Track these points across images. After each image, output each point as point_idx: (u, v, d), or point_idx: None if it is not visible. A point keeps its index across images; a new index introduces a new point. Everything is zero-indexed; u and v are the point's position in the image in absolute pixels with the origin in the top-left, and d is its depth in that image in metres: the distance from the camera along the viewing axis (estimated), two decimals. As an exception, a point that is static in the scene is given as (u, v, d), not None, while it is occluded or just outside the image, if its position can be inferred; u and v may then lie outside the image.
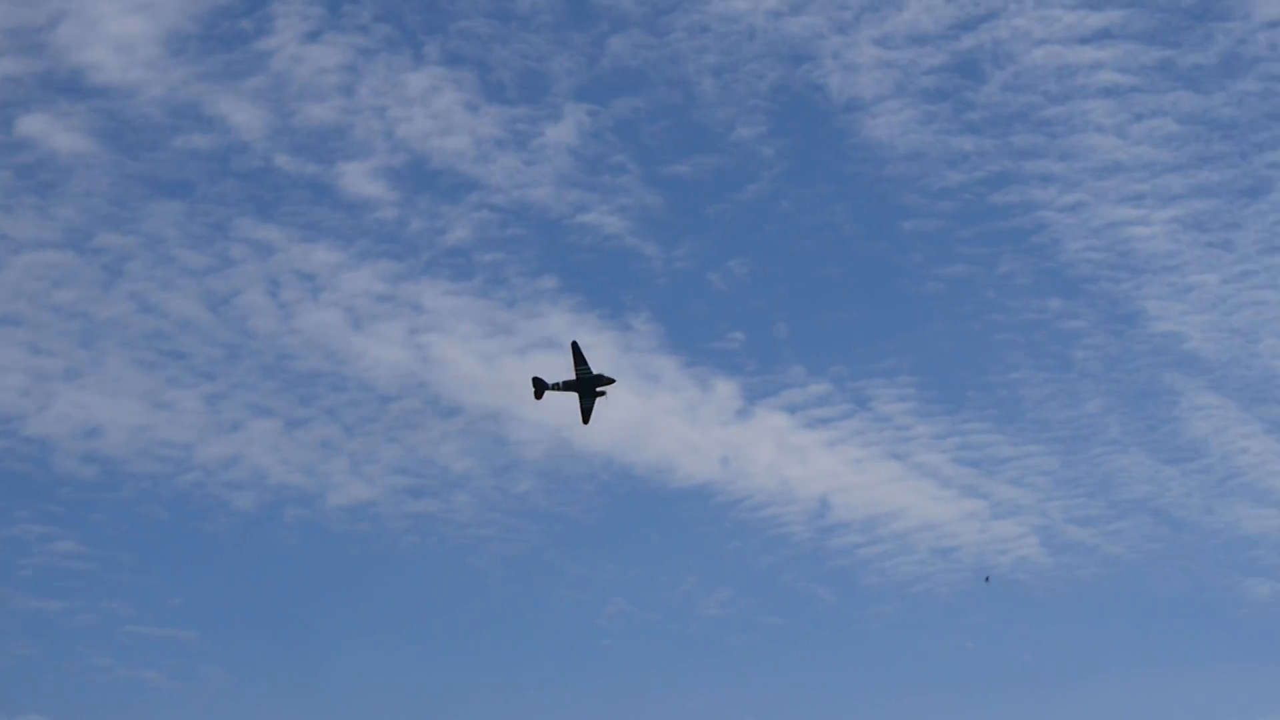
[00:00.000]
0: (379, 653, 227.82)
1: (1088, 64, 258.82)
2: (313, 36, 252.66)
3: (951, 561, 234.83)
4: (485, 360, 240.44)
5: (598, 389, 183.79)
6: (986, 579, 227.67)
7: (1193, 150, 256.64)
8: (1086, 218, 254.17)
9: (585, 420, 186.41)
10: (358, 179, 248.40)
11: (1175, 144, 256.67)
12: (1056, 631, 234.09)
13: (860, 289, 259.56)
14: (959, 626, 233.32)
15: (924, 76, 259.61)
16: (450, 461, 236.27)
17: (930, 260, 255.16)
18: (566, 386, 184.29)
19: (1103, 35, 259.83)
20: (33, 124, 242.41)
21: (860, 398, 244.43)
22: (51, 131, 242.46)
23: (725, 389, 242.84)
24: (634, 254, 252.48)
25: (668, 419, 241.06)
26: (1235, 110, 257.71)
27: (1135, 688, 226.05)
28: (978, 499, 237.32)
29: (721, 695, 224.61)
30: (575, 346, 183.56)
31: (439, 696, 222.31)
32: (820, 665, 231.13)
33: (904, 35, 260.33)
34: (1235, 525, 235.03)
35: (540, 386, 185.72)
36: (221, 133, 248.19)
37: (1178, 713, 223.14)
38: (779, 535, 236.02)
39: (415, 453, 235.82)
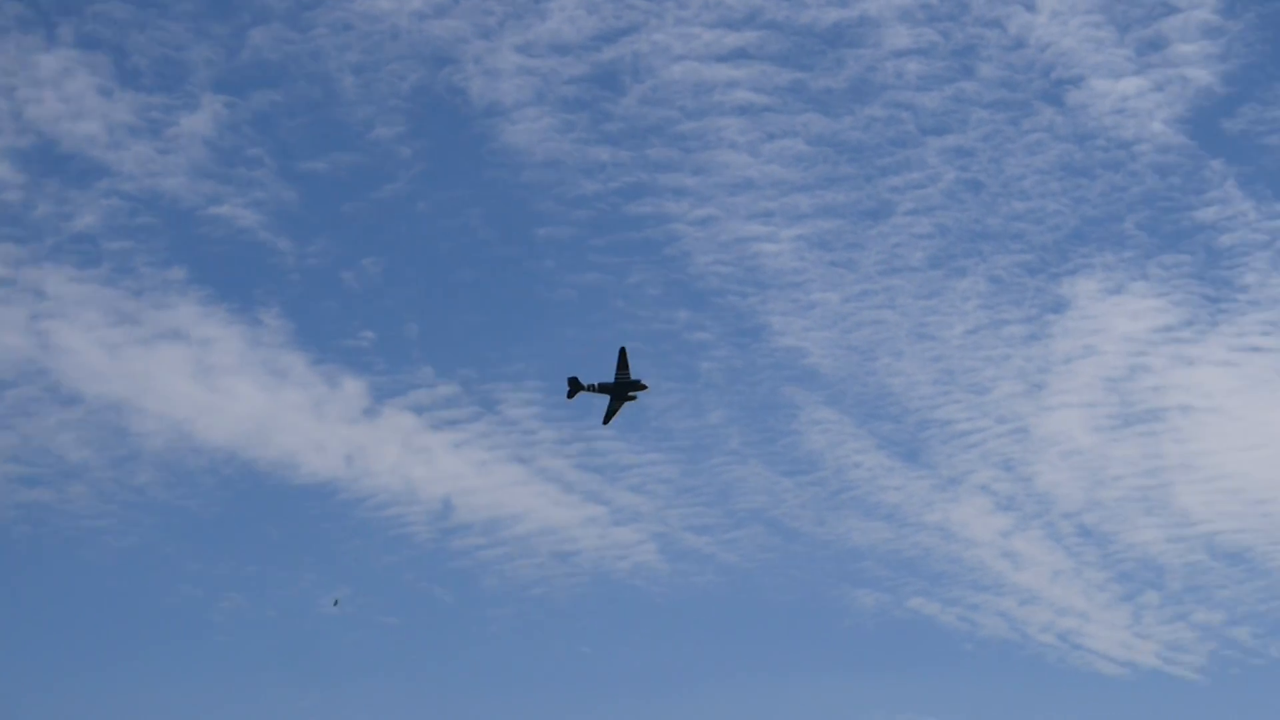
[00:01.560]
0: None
1: (724, 82, 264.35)
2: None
3: (571, 566, 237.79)
4: (109, 350, 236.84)
5: (630, 393, 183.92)
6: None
7: (820, 171, 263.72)
8: (716, 232, 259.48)
9: (606, 421, 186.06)
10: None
11: (804, 164, 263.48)
12: (671, 637, 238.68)
13: (493, 293, 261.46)
14: (576, 630, 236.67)
15: (564, 85, 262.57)
16: (67, 451, 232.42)
17: (563, 267, 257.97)
18: (602, 389, 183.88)
19: (739, 55, 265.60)
20: None
21: (488, 401, 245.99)
22: None
23: (353, 387, 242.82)
24: (267, 248, 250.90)
25: (294, 415, 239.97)
26: (862, 134, 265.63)
27: (747, 694, 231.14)
28: (599, 505, 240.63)
29: (337, 694, 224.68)
30: (623, 352, 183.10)
31: (46, 691, 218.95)
32: (437, 666, 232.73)
33: (546, 44, 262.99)
34: (845, 537, 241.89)
35: (575, 387, 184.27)
36: None
37: (790, 718, 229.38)
38: (401, 535, 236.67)
39: (30, 441, 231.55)
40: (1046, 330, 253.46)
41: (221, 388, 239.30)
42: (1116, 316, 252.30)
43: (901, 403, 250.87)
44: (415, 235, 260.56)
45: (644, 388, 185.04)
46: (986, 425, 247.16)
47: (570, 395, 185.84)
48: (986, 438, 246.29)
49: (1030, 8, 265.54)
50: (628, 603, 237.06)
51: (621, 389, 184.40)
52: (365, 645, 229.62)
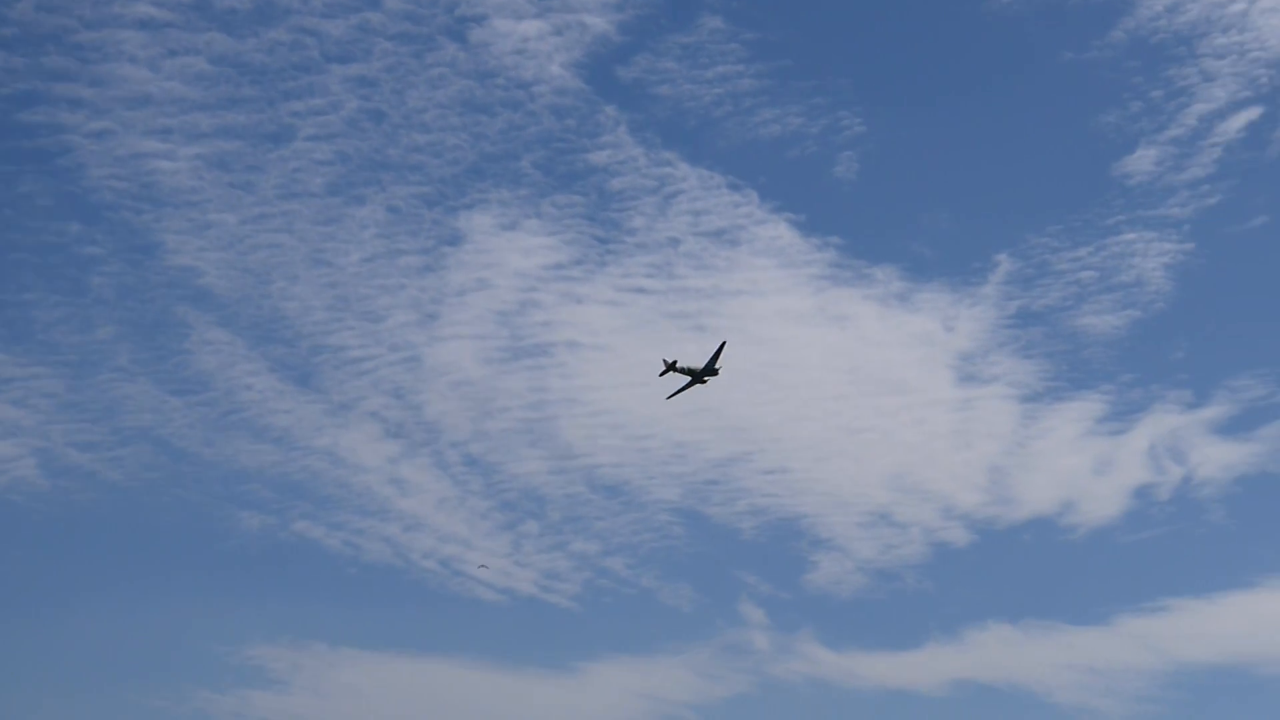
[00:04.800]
0: None
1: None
2: None
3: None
4: None
5: (704, 377, 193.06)
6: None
7: (222, 91, 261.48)
8: (112, 146, 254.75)
9: (670, 397, 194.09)
10: None
11: (206, 83, 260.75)
12: (50, 555, 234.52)
13: None
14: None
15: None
16: None
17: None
18: (688, 371, 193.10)
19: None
20: None
21: None
22: None
23: None
24: None
25: None
26: (266, 57, 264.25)
27: (129, 614, 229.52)
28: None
29: None
30: (722, 345, 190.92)
31: None
32: None
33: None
34: (234, 458, 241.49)
35: (669, 366, 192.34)
36: None
37: (169, 638, 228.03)
38: None
39: None
40: (442, 262, 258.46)
41: None
42: (510, 252, 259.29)
43: (295, 327, 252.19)
44: None
45: (716, 374, 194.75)
46: (379, 353, 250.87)
47: (663, 373, 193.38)
48: (379, 365, 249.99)
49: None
50: (4, 518, 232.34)
51: (703, 373, 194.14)
52: None
